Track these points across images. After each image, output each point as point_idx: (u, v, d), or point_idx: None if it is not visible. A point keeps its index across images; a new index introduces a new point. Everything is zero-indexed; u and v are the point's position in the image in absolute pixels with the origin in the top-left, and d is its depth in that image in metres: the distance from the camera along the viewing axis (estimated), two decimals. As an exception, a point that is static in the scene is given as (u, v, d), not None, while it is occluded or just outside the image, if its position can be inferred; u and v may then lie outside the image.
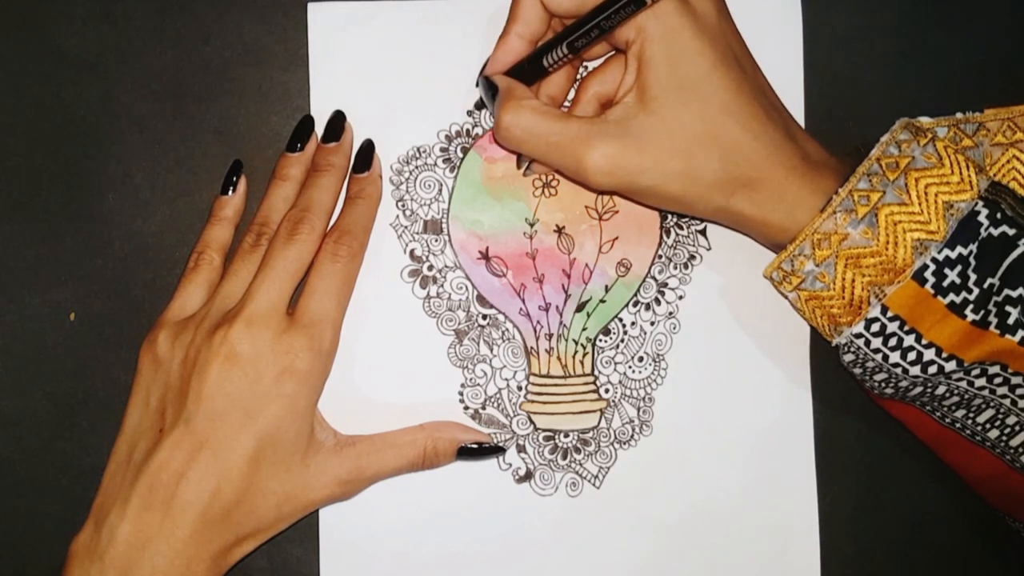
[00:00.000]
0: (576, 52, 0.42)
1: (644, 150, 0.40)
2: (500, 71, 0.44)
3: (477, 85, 0.47)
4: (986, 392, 0.40)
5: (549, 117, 0.41)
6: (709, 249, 0.48)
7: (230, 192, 0.47)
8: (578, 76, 0.47)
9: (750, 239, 0.45)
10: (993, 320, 0.38)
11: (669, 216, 0.48)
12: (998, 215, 0.38)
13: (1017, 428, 0.41)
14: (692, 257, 0.48)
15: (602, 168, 0.40)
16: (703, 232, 0.48)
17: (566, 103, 0.46)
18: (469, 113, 0.48)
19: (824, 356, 0.47)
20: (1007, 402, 0.41)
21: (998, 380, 0.40)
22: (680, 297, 0.48)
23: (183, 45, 0.48)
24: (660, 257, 0.48)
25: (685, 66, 0.40)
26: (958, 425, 0.42)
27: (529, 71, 0.43)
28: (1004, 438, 0.42)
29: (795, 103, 0.47)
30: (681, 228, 0.48)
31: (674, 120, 0.40)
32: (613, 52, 0.45)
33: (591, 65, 0.46)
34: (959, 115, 0.43)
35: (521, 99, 0.42)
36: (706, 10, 0.41)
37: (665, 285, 0.48)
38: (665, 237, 0.48)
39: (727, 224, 0.43)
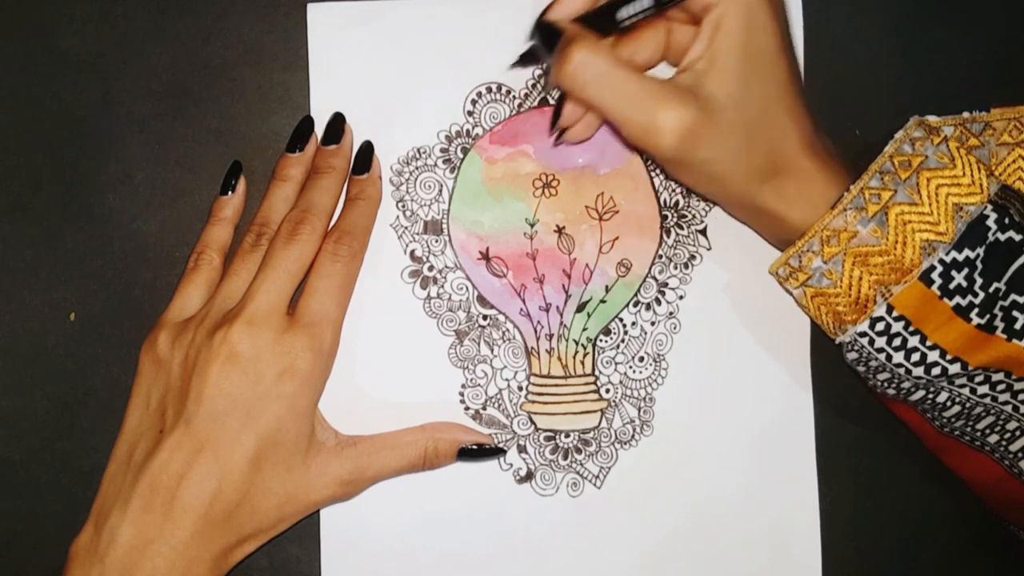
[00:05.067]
0: (661, 7, 0.39)
1: (712, 119, 0.39)
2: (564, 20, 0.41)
3: (532, 37, 0.42)
4: (988, 399, 0.40)
5: (626, 67, 0.39)
6: (709, 249, 0.48)
7: (229, 192, 0.47)
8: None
9: (750, 240, 0.45)
10: (1000, 325, 0.38)
11: (669, 216, 0.48)
12: (1006, 220, 0.38)
13: (1017, 433, 0.41)
14: (692, 257, 0.48)
15: (675, 129, 0.39)
16: (703, 232, 0.48)
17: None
18: (469, 113, 0.48)
19: (825, 357, 0.47)
20: (1008, 408, 0.40)
21: (1001, 387, 0.40)
22: (680, 297, 0.48)
23: (183, 45, 0.48)
24: (660, 257, 0.48)
25: (757, 41, 0.39)
26: (957, 432, 0.42)
27: (597, 25, 0.40)
28: (1004, 443, 0.42)
29: (796, 103, 0.47)
30: (681, 228, 0.48)
31: (741, 94, 0.39)
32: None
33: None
34: (966, 114, 0.43)
35: (597, 41, 0.40)
36: None
37: (665, 285, 0.48)
38: (665, 237, 0.48)
39: (743, 215, 0.43)
